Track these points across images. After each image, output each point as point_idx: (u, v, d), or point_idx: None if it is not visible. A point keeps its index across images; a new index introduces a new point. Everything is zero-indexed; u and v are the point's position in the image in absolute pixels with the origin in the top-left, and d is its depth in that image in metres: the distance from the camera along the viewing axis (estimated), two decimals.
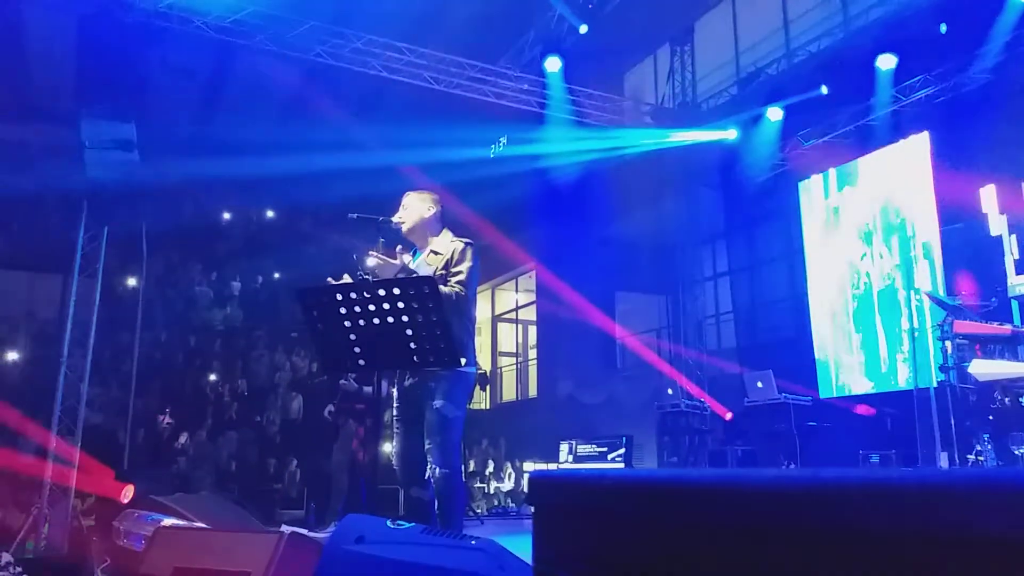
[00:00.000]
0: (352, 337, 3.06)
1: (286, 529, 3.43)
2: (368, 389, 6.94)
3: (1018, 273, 7.02)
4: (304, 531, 3.86)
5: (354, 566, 1.78)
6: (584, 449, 9.42)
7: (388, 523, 2.21)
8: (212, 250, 13.94)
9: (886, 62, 8.08)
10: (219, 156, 10.31)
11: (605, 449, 9.18)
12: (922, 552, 0.80)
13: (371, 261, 3.49)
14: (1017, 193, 7.19)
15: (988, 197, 7.34)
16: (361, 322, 3.02)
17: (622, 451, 8.98)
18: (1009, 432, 5.88)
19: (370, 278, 3.25)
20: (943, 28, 7.48)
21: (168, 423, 10.44)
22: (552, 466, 9.68)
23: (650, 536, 1.12)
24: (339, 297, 3.01)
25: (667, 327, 11.75)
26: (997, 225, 7.29)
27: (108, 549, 3.82)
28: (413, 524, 2.30)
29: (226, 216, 14.59)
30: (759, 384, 8.37)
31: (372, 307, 2.98)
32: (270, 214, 14.84)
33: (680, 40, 11.28)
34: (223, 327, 12.90)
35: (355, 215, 3.55)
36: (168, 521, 3.38)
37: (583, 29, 9.08)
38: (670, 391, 9.33)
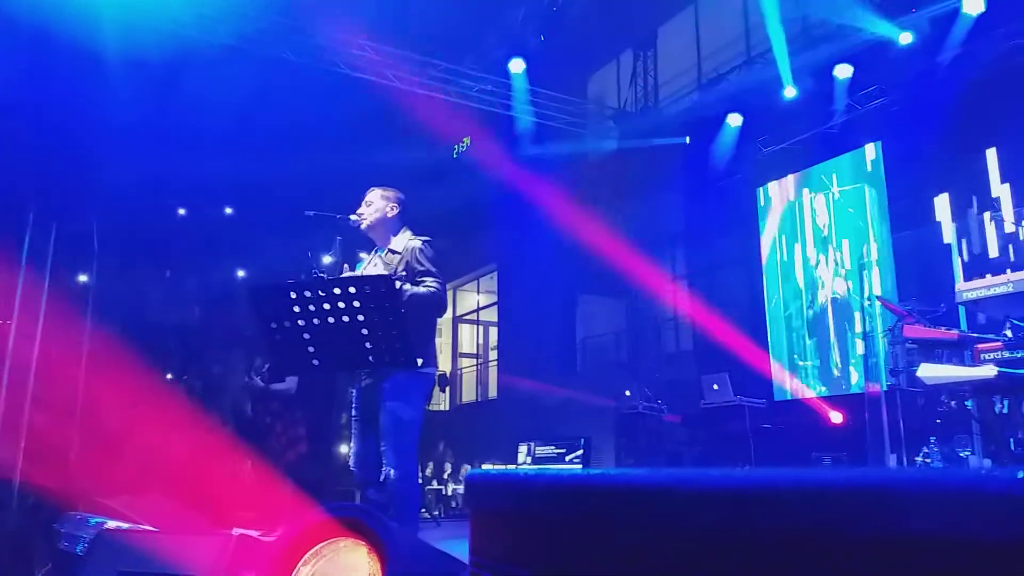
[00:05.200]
0: (306, 336, 3.02)
1: (236, 532, 3.36)
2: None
3: (966, 279, 7.21)
4: (255, 533, 3.78)
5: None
6: (543, 450, 9.44)
7: None
8: (167, 247, 13.66)
9: (843, 71, 8.26)
10: (176, 151, 10.11)
11: (564, 450, 9.21)
12: (865, 552, 0.81)
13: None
14: (968, 202, 7.40)
15: (941, 205, 7.57)
16: (316, 321, 2.98)
17: (580, 452, 9.02)
18: (955, 435, 6.05)
19: (325, 276, 3.21)
20: (903, 39, 7.65)
21: (118, 423, 10.18)
22: (511, 467, 9.67)
23: (587, 538, 1.12)
24: (293, 296, 2.97)
25: (626, 330, 11.83)
26: (948, 233, 7.51)
27: (49, 553, 3.70)
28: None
29: (181, 212, 14.31)
30: (715, 387, 8.47)
31: (327, 306, 2.95)
32: (228, 211, 14.60)
33: (643, 45, 11.38)
34: (177, 325, 12.66)
35: (312, 212, 3.52)
36: (112, 524, 3.28)
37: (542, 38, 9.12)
38: (628, 393, 9.37)
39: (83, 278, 10.96)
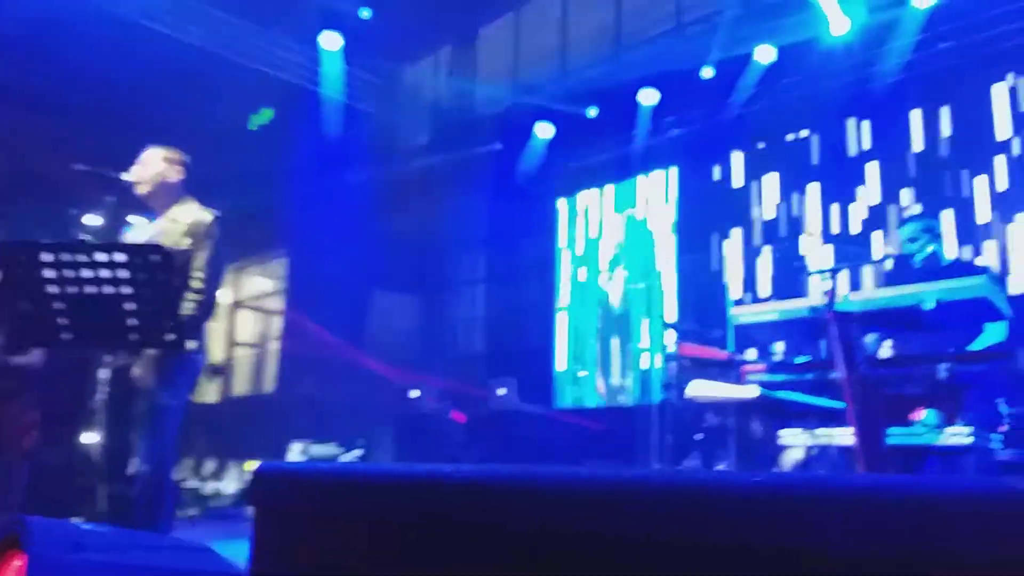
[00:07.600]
0: (58, 306, 2.58)
1: None
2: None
3: (736, 304, 7.89)
4: None
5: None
6: (317, 450, 9.06)
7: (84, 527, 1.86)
8: None
9: (648, 97, 8.69)
10: None
11: (341, 451, 8.92)
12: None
13: None
14: (742, 233, 8.10)
15: (722, 234, 8.27)
16: (72, 289, 2.55)
17: (359, 452, 8.77)
18: (715, 449, 6.53)
19: (89, 239, 2.79)
20: (705, 73, 8.18)
21: None
22: (310, 461, 9.18)
23: (394, 538, 1.04)
24: (47, 257, 2.52)
25: (420, 328, 11.71)
26: (727, 260, 8.22)
27: None
28: (109, 528, 1.96)
29: None
30: (502, 390, 8.58)
31: (88, 273, 2.53)
32: None
33: (463, 44, 11.34)
34: None
35: (80, 166, 3.10)
36: None
37: (365, 14, 8.79)
38: (415, 393, 9.26)
39: None
